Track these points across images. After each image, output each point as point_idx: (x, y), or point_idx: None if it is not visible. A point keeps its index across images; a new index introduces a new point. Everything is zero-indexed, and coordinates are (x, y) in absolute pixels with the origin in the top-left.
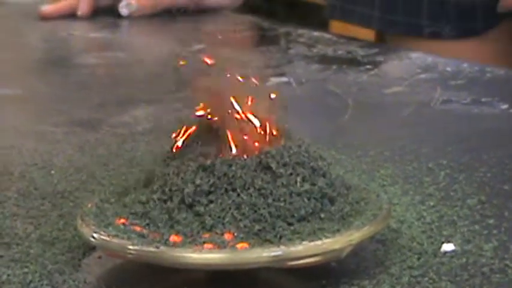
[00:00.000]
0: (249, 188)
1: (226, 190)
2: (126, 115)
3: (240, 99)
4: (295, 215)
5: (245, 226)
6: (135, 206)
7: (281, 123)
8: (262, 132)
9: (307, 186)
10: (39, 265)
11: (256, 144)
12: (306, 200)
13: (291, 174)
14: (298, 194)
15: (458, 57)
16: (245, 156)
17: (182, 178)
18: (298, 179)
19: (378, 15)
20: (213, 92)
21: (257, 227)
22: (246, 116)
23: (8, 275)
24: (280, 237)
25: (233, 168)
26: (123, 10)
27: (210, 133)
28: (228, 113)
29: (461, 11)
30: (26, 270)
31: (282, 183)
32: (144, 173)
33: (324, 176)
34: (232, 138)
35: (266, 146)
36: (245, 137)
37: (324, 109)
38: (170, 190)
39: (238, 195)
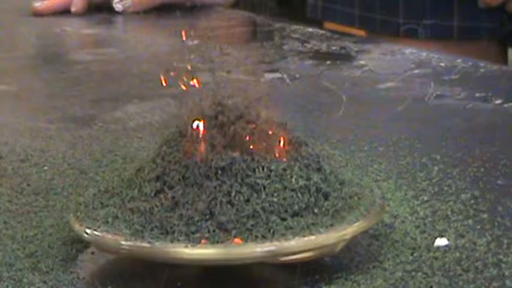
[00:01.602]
0: (242, 183)
1: (219, 185)
2: (120, 111)
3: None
4: (289, 210)
5: (238, 221)
6: (129, 201)
7: (279, 119)
8: (258, 129)
9: (301, 181)
10: (32, 261)
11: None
12: (299, 195)
13: (285, 169)
14: (292, 189)
15: None
16: (239, 152)
17: (176, 173)
18: (293, 174)
19: (358, 13)
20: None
21: (250, 222)
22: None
23: (1, 272)
24: (274, 233)
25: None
26: (118, 6)
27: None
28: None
29: (438, 10)
30: (19, 266)
31: (276, 178)
32: (137, 168)
33: (318, 171)
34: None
35: (261, 141)
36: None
37: (318, 105)
38: (163, 185)
39: (231, 190)
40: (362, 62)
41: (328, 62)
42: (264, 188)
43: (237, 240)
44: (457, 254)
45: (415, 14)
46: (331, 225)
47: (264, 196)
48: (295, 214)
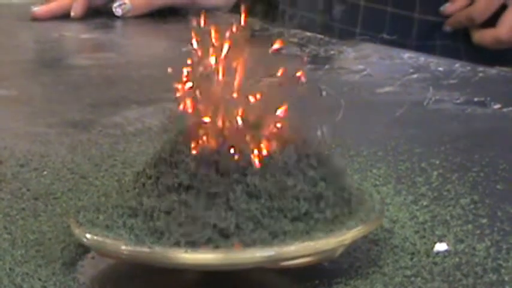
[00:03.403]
0: (242, 188)
1: (219, 190)
2: (119, 116)
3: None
4: (288, 215)
5: (238, 226)
6: (129, 205)
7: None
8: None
9: (300, 186)
10: (32, 266)
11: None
12: (299, 200)
13: (285, 173)
14: (292, 195)
15: None
16: (241, 155)
17: (175, 177)
18: (293, 178)
19: (320, 20)
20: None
21: (250, 227)
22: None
23: (1, 276)
24: (273, 238)
25: (232, 165)
26: (117, 10)
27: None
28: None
29: (397, 24)
30: (18, 271)
31: (275, 183)
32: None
33: (318, 175)
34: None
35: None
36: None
37: (317, 109)
38: (163, 189)
39: (231, 195)
40: (360, 67)
41: (326, 67)
42: (264, 192)
43: (237, 245)
44: (457, 259)
45: (374, 25)
46: (331, 230)
47: (263, 201)
48: (294, 219)
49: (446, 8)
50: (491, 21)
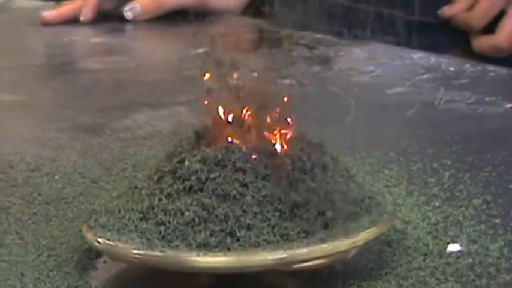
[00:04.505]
0: (254, 189)
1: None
2: (129, 120)
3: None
4: (301, 217)
5: (249, 228)
6: (140, 209)
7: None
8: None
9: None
10: (43, 271)
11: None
12: (312, 202)
13: (296, 175)
14: (304, 196)
15: None
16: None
17: (185, 181)
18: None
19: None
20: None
21: (265, 229)
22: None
23: (13, 281)
24: (286, 240)
25: (242, 167)
26: (128, 14)
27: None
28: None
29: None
30: (30, 276)
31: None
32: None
33: (330, 177)
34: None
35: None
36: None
37: (327, 111)
38: (175, 192)
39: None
40: (370, 68)
41: (336, 68)
42: (276, 195)
43: (249, 248)
44: (470, 260)
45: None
46: (343, 232)
47: (275, 204)
48: (307, 221)
49: (445, 11)
50: (491, 26)
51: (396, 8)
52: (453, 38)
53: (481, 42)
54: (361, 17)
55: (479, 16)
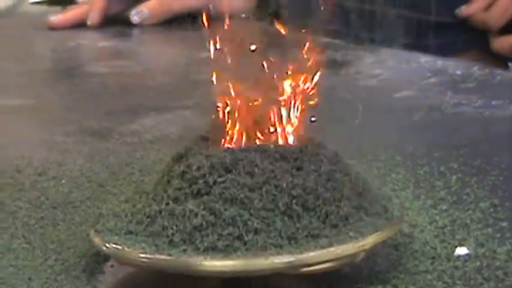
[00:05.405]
0: (261, 193)
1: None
2: (136, 124)
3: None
4: (308, 221)
5: (257, 232)
6: (147, 213)
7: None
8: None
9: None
10: (51, 275)
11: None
12: (320, 205)
13: (303, 179)
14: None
15: None
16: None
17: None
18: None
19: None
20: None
21: (272, 233)
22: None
23: (20, 286)
24: (294, 243)
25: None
26: (134, 18)
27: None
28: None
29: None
30: (37, 280)
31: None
32: (155, 181)
33: (337, 181)
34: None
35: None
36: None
37: (334, 114)
38: (182, 196)
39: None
40: (378, 71)
41: (343, 72)
42: (283, 198)
43: (256, 251)
44: (478, 263)
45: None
46: (351, 235)
47: (283, 207)
48: (315, 225)
49: (462, 10)
50: (510, 26)
51: (413, 8)
52: (471, 38)
53: (501, 42)
54: (377, 18)
55: (497, 16)
